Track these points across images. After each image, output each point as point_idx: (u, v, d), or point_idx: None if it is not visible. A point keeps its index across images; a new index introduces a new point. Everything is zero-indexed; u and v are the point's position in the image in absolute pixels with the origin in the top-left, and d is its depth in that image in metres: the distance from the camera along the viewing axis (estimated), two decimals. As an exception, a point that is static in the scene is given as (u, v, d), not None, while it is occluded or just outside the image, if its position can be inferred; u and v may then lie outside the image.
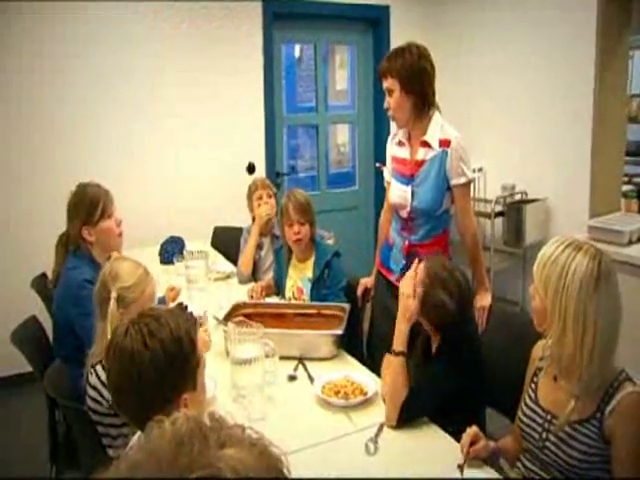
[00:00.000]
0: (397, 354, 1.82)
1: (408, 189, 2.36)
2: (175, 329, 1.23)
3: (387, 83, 2.30)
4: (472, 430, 1.55)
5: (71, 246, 2.31)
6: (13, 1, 3.52)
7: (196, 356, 1.26)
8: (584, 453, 1.43)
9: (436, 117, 2.35)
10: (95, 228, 2.30)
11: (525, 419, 1.58)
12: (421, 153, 2.35)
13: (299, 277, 2.73)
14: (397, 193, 2.42)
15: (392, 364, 1.82)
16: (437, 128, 2.32)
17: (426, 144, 2.33)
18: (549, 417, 1.51)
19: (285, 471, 0.63)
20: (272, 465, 0.61)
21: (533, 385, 1.60)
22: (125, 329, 1.23)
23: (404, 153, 2.43)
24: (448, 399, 1.72)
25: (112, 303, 1.76)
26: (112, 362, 1.23)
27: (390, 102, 2.31)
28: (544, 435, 1.51)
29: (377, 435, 1.68)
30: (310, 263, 2.70)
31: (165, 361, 1.20)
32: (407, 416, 1.72)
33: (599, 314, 1.39)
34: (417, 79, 2.27)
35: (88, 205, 2.30)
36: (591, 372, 1.41)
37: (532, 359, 1.66)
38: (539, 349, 1.63)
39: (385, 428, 1.72)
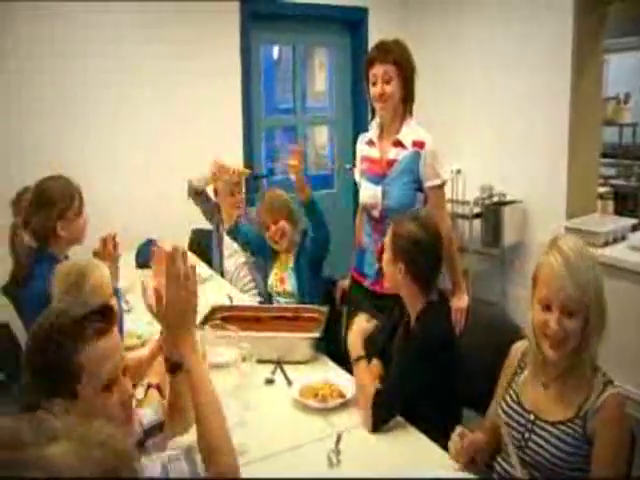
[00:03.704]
0: (356, 360, 1.86)
1: (379, 189, 2.36)
2: (40, 330, 1.10)
3: (386, 68, 2.28)
4: (456, 437, 1.54)
5: (37, 241, 2.17)
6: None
7: (72, 366, 1.07)
8: (566, 453, 1.43)
9: (409, 119, 2.38)
10: (71, 224, 2.17)
11: (506, 418, 1.57)
12: (392, 153, 2.36)
13: (282, 268, 2.81)
14: (368, 193, 2.42)
15: (357, 370, 1.85)
16: (410, 129, 2.35)
17: (398, 143, 2.34)
18: (532, 417, 1.51)
19: (129, 467, 0.63)
20: (105, 460, 0.60)
21: (514, 385, 1.59)
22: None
23: (374, 152, 2.44)
24: (420, 390, 1.71)
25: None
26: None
27: (386, 88, 2.29)
28: (526, 435, 1.51)
29: (337, 446, 1.63)
30: (293, 253, 2.79)
31: (26, 360, 1.10)
32: (380, 417, 1.71)
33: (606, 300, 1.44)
34: (412, 74, 2.33)
35: (63, 198, 2.16)
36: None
37: (511, 358, 1.65)
38: (519, 348, 1.63)
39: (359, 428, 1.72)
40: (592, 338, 1.42)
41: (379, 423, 1.71)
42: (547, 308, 1.44)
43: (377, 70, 2.30)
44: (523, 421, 1.53)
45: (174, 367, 1.33)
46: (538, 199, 3.98)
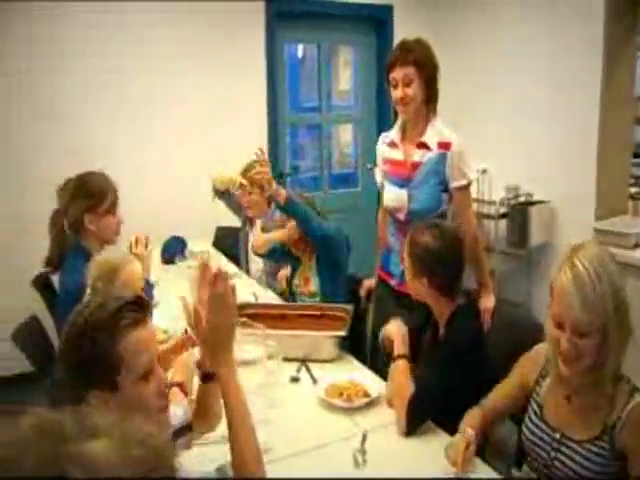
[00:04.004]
0: (398, 357, 1.81)
1: (404, 192, 2.33)
2: (76, 325, 1.10)
3: (406, 71, 2.24)
4: (462, 442, 1.50)
5: (70, 231, 2.24)
6: (16, 0, 3.50)
7: (112, 358, 1.09)
8: (594, 472, 1.38)
9: (434, 119, 2.33)
10: (99, 220, 2.23)
11: (531, 436, 1.52)
12: (417, 155, 2.31)
13: (307, 269, 2.81)
14: (392, 196, 2.38)
15: (395, 369, 1.80)
16: (435, 130, 2.30)
17: (423, 145, 2.30)
18: (558, 436, 1.46)
19: (168, 465, 0.62)
20: (145, 459, 0.59)
21: (536, 395, 1.54)
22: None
23: (397, 155, 2.40)
24: (451, 392, 1.68)
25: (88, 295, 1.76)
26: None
27: (407, 92, 2.25)
28: (552, 454, 1.46)
29: (362, 446, 1.62)
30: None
31: (64, 355, 1.12)
32: (416, 420, 1.68)
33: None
34: (434, 73, 2.28)
35: (96, 193, 2.23)
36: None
37: (531, 356, 1.59)
38: (542, 350, 1.56)
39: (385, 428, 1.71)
40: (611, 354, 1.34)
41: (413, 427, 1.68)
42: (559, 326, 1.37)
43: (397, 73, 2.26)
44: (548, 439, 1.48)
45: (206, 377, 1.35)
46: (567, 200, 3.92)
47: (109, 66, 3.81)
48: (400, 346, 1.85)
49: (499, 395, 1.65)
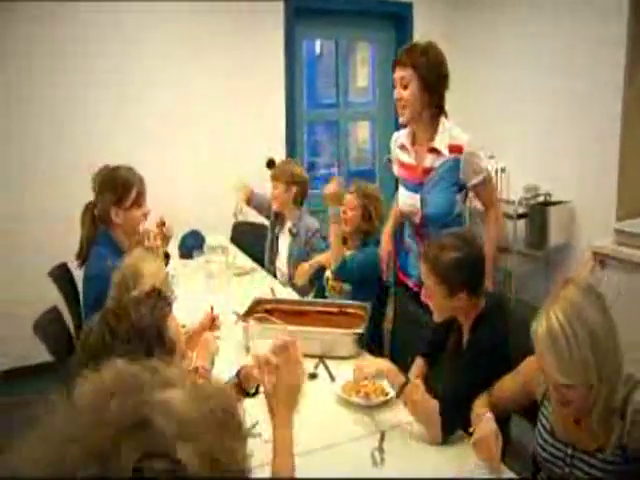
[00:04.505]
0: (402, 387, 1.70)
1: (417, 197, 2.33)
2: (137, 321, 1.16)
3: (404, 73, 2.24)
4: (491, 435, 1.47)
5: (100, 223, 2.29)
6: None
7: (165, 345, 1.18)
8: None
9: (443, 122, 2.30)
10: (125, 213, 2.27)
11: (543, 453, 1.51)
12: (429, 160, 2.30)
13: None
14: (406, 201, 2.38)
15: (405, 395, 1.70)
16: (445, 134, 2.28)
17: (434, 151, 2.28)
18: (570, 451, 1.44)
19: (238, 415, 0.65)
20: (216, 411, 0.62)
21: (545, 410, 1.52)
22: (90, 327, 1.20)
23: (408, 158, 2.38)
24: (477, 395, 1.67)
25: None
26: (81, 357, 1.18)
27: (403, 94, 2.25)
28: (567, 470, 1.44)
29: (380, 444, 1.62)
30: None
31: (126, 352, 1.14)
32: (450, 428, 1.64)
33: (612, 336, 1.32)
34: (438, 79, 2.25)
35: (122, 186, 2.27)
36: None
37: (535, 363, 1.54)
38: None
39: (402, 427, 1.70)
40: (599, 400, 1.31)
41: (447, 435, 1.64)
42: (545, 374, 1.36)
43: (396, 74, 2.27)
44: (561, 455, 1.46)
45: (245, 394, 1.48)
46: (587, 200, 3.87)
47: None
48: (396, 379, 1.72)
49: (505, 387, 1.65)
